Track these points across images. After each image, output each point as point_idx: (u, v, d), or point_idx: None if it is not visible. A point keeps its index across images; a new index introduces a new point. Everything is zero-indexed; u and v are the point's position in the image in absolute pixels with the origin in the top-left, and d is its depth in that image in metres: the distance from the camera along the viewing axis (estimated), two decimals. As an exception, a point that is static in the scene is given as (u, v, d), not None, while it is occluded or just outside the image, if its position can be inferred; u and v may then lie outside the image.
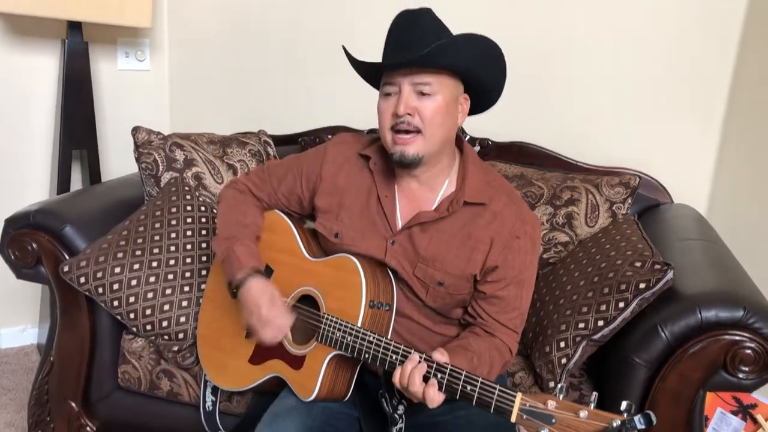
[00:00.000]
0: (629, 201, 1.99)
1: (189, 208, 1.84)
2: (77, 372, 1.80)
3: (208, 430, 1.67)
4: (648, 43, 2.23)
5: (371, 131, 2.43)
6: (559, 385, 1.11)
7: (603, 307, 1.56)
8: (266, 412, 1.41)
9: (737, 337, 1.40)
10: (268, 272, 1.50)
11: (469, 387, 1.16)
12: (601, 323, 1.55)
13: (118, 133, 2.63)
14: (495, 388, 1.14)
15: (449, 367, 1.19)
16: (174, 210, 1.82)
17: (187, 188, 1.90)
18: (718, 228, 2.01)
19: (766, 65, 2.09)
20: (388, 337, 1.38)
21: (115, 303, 1.68)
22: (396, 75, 1.32)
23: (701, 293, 1.46)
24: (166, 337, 1.69)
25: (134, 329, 1.72)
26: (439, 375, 1.19)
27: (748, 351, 1.40)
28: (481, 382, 1.16)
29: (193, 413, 1.75)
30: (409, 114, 1.30)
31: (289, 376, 1.43)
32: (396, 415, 1.37)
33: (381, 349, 1.28)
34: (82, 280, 1.68)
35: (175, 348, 1.69)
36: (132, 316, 1.68)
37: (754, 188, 2.16)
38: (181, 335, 1.69)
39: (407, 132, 1.31)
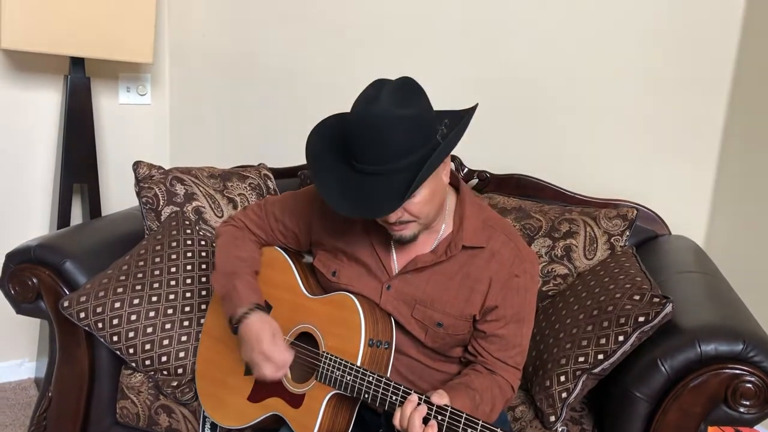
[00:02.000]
0: (627, 233, 2.00)
1: (189, 242, 1.84)
2: (75, 407, 1.79)
3: None
4: (645, 77, 2.26)
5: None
6: (561, 429, 1.10)
7: (603, 341, 1.56)
8: None
9: (737, 371, 1.39)
10: (267, 309, 1.51)
11: (469, 430, 1.16)
12: (601, 357, 1.55)
13: (118, 167, 2.65)
14: (477, 424, 1.14)
15: (449, 408, 1.18)
16: (174, 244, 1.82)
17: (187, 222, 1.91)
18: (716, 260, 2.01)
19: (759, 99, 2.12)
20: (388, 374, 1.38)
21: (115, 338, 1.68)
22: None
23: (700, 327, 1.47)
24: (165, 372, 1.69)
25: (133, 364, 1.71)
26: (440, 417, 1.18)
27: (749, 385, 1.39)
28: (482, 425, 1.15)
29: (191, 449, 1.74)
30: (398, 218, 1.27)
31: (289, 415, 1.42)
32: None
33: (381, 390, 1.27)
34: (82, 315, 1.68)
35: (174, 383, 1.69)
36: (131, 350, 1.68)
37: (751, 220, 2.17)
38: (180, 370, 1.68)
39: (400, 224, 1.29)
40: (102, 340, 1.70)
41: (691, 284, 1.74)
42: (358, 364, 1.33)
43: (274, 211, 1.55)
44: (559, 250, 1.98)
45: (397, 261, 1.42)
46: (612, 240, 1.98)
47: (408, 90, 1.25)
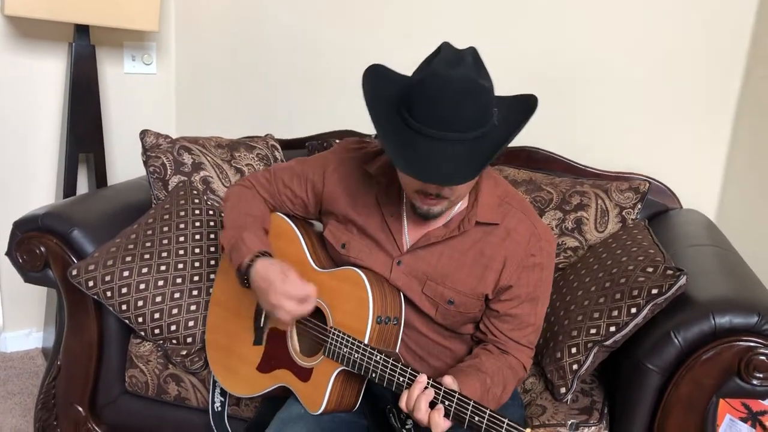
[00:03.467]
0: (639, 206, 1.98)
1: (197, 211, 1.83)
2: (84, 376, 1.79)
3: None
4: (657, 49, 2.22)
5: (377, 137, 2.43)
6: (570, 422, 1.08)
7: (615, 313, 1.55)
8: (274, 418, 1.40)
9: (751, 344, 1.38)
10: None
11: (477, 417, 1.13)
12: (612, 329, 1.54)
13: (124, 136, 2.63)
14: (503, 422, 1.11)
15: (457, 394, 1.15)
16: (182, 213, 1.81)
17: (195, 192, 1.89)
18: (728, 234, 2.00)
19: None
20: (397, 350, 1.36)
21: (123, 307, 1.67)
22: None
23: (715, 299, 1.45)
24: (174, 341, 1.68)
25: (142, 333, 1.71)
26: (447, 402, 1.16)
27: (763, 357, 1.38)
28: (489, 415, 1.12)
29: (201, 418, 1.74)
30: (438, 189, 1.22)
31: (297, 388, 1.41)
32: (405, 430, 1.35)
33: (388, 371, 1.25)
34: (91, 283, 1.67)
35: (184, 352, 1.68)
36: (140, 320, 1.68)
37: (763, 194, 2.15)
38: (189, 339, 1.68)
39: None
40: (111, 308, 1.69)
41: (703, 257, 1.72)
42: (366, 341, 1.30)
43: (283, 177, 1.52)
44: (569, 222, 1.96)
45: (408, 236, 1.39)
46: (623, 213, 1.97)
47: (482, 61, 1.20)
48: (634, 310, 1.52)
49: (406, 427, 1.33)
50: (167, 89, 2.76)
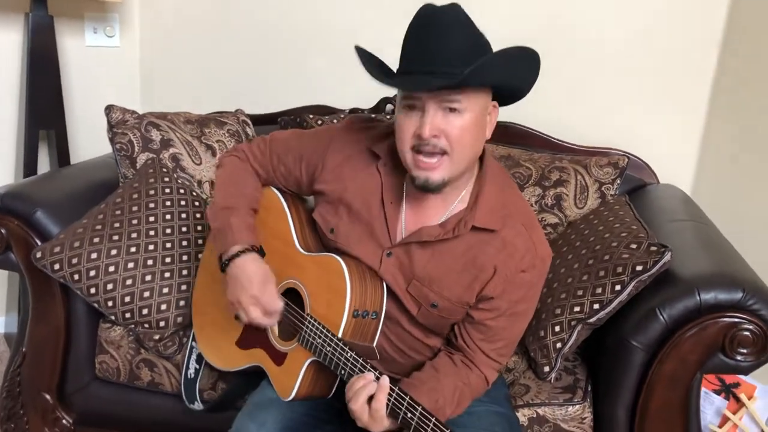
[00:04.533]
0: (618, 182, 1.97)
1: (168, 190, 1.76)
2: (52, 363, 1.71)
3: (185, 399, 1.61)
4: (635, 25, 2.20)
5: (352, 111, 2.37)
6: None
7: (599, 290, 1.53)
8: (247, 402, 1.36)
9: (736, 319, 1.38)
10: (261, 254, 1.43)
11: (409, 414, 1.13)
12: (596, 306, 1.52)
13: (87, 112, 2.51)
14: (430, 420, 1.11)
15: (396, 390, 1.14)
16: (152, 192, 1.74)
17: (165, 170, 1.82)
18: (704, 207, 2.00)
19: (750, 49, 2.08)
20: (374, 344, 1.31)
21: (92, 290, 1.60)
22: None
23: (699, 275, 1.44)
24: (146, 325, 1.62)
25: (112, 317, 1.64)
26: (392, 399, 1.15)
27: (746, 333, 1.38)
28: (420, 412, 1.12)
29: (175, 403, 1.69)
30: (435, 136, 1.15)
31: (271, 371, 1.37)
32: None
33: (357, 370, 1.21)
34: (57, 266, 1.59)
35: (156, 336, 1.62)
36: (110, 303, 1.61)
37: (739, 169, 2.15)
38: (162, 323, 1.62)
39: (432, 155, 1.17)
40: (78, 292, 1.62)
41: (683, 232, 1.71)
42: (340, 335, 1.25)
43: (278, 151, 1.45)
44: (549, 198, 1.94)
45: (404, 226, 1.31)
46: (603, 188, 1.95)
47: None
48: (618, 288, 1.50)
49: None
50: (131, 63, 2.65)
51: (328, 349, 1.24)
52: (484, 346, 1.30)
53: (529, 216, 1.34)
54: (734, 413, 1.94)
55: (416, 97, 1.16)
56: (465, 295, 1.28)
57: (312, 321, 1.29)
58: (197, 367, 1.62)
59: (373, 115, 2.25)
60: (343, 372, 1.22)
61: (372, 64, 1.24)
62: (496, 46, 1.22)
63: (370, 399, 1.15)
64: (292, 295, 1.37)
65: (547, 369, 1.57)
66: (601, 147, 2.19)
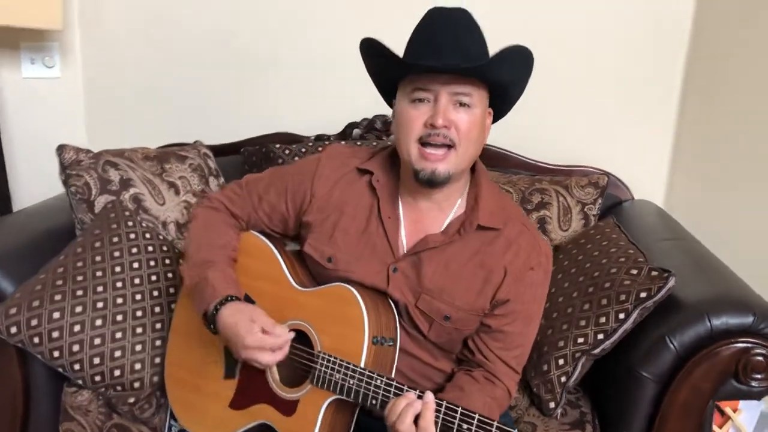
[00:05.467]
0: (600, 201, 1.94)
1: (133, 236, 1.61)
2: (8, 436, 1.54)
3: None
4: (602, 44, 2.19)
5: (318, 138, 2.27)
6: None
7: (602, 320, 1.47)
8: None
9: (748, 344, 1.34)
10: (248, 302, 1.32)
11: (465, 426, 1.07)
12: (601, 336, 1.47)
13: (27, 151, 2.32)
14: (492, 425, 1.06)
15: (445, 403, 1.09)
16: (116, 240, 1.59)
17: (127, 213, 1.67)
18: (679, 222, 1.98)
19: (715, 63, 2.09)
20: (392, 375, 1.23)
21: (56, 354, 1.44)
22: (434, 82, 1.16)
23: (707, 300, 1.40)
24: (119, 387, 1.47)
25: (80, 381, 1.48)
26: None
27: (760, 358, 1.34)
28: (478, 419, 1.07)
29: (153, 470, 1.54)
30: (446, 126, 1.16)
31: (280, 424, 1.26)
32: None
33: (391, 395, 1.13)
34: (13, 330, 1.43)
35: (131, 400, 1.47)
36: (77, 367, 1.45)
37: (709, 181, 2.15)
38: (137, 384, 1.47)
39: (439, 146, 1.18)
40: (39, 356, 1.45)
41: (673, 253, 1.68)
42: (362, 365, 1.17)
43: (258, 190, 1.37)
44: (533, 222, 1.88)
45: (406, 239, 1.28)
46: (585, 209, 1.91)
47: None
48: (622, 316, 1.45)
49: None
50: (74, 95, 2.45)
51: (352, 381, 1.16)
52: (503, 354, 1.28)
53: (525, 217, 1.37)
54: (720, 427, 1.92)
55: (428, 89, 1.17)
56: (478, 302, 1.26)
57: (326, 357, 1.20)
58: None
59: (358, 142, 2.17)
60: (374, 402, 1.15)
61: (380, 54, 1.22)
62: None
63: (416, 418, 1.09)
64: (295, 337, 1.26)
65: (552, 405, 1.50)
66: (576, 165, 2.16)
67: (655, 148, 2.24)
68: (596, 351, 1.48)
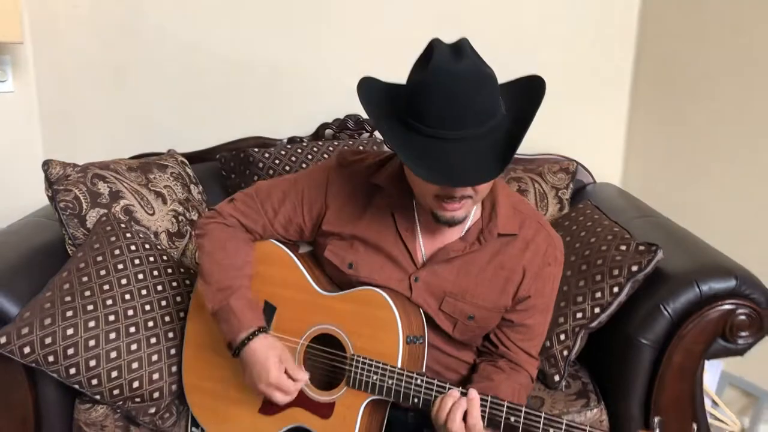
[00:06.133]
0: (571, 186, 2.05)
1: (133, 247, 1.60)
2: (21, 459, 1.50)
3: None
4: (553, 37, 2.31)
5: (291, 140, 2.29)
6: (656, 419, 1.08)
7: (598, 294, 1.58)
8: None
9: (733, 306, 1.47)
10: (269, 310, 1.34)
11: (513, 418, 1.13)
12: (597, 310, 1.57)
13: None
14: (540, 417, 1.12)
15: (489, 398, 1.16)
16: (117, 252, 1.57)
17: (123, 225, 1.65)
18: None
19: (663, 50, 2.25)
20: (423, 370, 1.29)
21: (72, 371, 1.42)
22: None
23: (694, 269, 1.53)
24: (137, 399, 1.46)
25: (97, 397, 1.46)
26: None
27: (743, 317, 1.48)
28: (525, 411, 1.13)
29: (173, 479, 1.54)
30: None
31: (317, 427, 1.29)
32: None
33: (433, 393, 1.19)
34: (27, 350, 1.40)
35: (152, 410, 1.47)
36: (95, 382, 1.43)
37: (662, 162, 2.31)
38: (156, 394, 1.47)
39: (457, 200, 1.17)
40: (55, 375, 1.43)
41: (649, 229, 1.81)
42: (399, 365, 1.22)
43: (272, 202, 1.36)
44: (513, 209, 1.97)
45: (424, 249, 1.31)
46: (559, 194, 2.02)
47: (476, 51, 1.14)
48: (616, 289, 1.56)
49: None
50: (29, 108, 2.37)
51: (390, 382, 1.21)
52: (525, 345, 1.35)
53: (536, 211, 1.40)
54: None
55: None
56: (501, 300, 1.30)
57: (361, 359, 1.24)
58: None
59: (360, 147, 2.18)
60: (416, 400, 1.20)
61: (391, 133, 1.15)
62: (411, 45, 1.19)
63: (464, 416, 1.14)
64: (322, 341, 1.30)
65: (557, 378, 1.59)
66: (542, 154, 2.27)
67: (612, 134, 2.39)
68: (594, 324, 1.58)
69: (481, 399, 1.15)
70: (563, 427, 1.11)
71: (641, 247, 1.58)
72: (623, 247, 1.61)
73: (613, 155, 2.41)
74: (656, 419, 1.07)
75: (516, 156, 2.14)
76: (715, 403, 2.15)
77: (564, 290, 1.64)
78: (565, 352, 1.59)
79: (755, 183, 2.03)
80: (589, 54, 2.32)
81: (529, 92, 1.18)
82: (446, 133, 1.10)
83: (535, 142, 2.27)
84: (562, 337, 1.59)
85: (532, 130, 2.19)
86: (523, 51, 2.29)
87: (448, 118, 1.09)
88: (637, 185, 2.37)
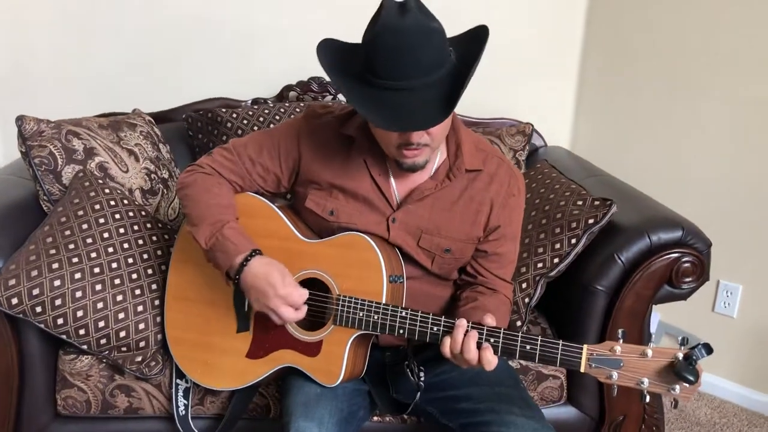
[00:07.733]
0: (527, 148, 2.17)
1: (113, 202, 1.62)
2: (5, 409, 1.53)
3: None
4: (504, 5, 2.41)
5: (255, 101, 2.33)
6: (620, 330, 1.19)
7: (557, 246, 1.70)
8: (290, 404, 1.35)
9: (679, 254, 1.62)
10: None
11: (528, 347, 1.22)
12: (556, 260, 1.70)
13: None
14: (558, 344, 1.21)
15: (502, 330, 1.23)
16: (98, 207, 1.60)
17: (101, 181, 1.67)
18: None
19: (612, 19, 2.38)
20: (404, 305, 1.38)
21: (60, 321, 1.45)
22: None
23: (644, 221, 1.66)
24: (124, 348, 1.51)
25: (85, 346, 1.50)
26: (492, 339, 1.23)
27: (687, 264, 1.62)
28: (542, 340, 1.22)
29: (157, 426, 1.60)
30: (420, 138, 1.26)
31: (306, 365, 1.37)
32: (421, 383, 1.39)
33: (418, 323, 1.28)
34: (14, 301, 1.42)
35: (139, 358, 1.52)
36: (82, 332, 1.47)
37: (609, 126, 2.46)
38: (142, 343, 1.52)
39: (416, 148, 1.27)
40: (42, 325, 1.46)
41: (599, 186, 1.94)
42: (384, 302, 1.31)
43: (249, 153, 1.43)
44: (474, 169, 2.07)
45: (397, 192, 1.41)
46: (517, 155, 2.14)
47: (425, 6, 1.24)
48: (574, 241, 1.68)
49: (421, 379, 1.39)
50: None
51: (377, 317, 1.30)
52: (500, 272, 1.47)
53: (494, 147, 1.51)
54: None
55: None
56: (473, 231, 1.42)
57: (346, 299, 1.32)
58: (186, 402, 1.55)
59: (329, 102, 2.23)
60: (401, 330, 1.29)
61: (341, 73, 1.26)
62: (372, 6, 1.25)
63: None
64: (308, 286, 1.37)
65: (519, 323, 1.71)
66: (498, 118, 2.38)
67: (562, 98, 2.52)
68: (553, 273, 1.70)
69: (493, 332, 1.23)
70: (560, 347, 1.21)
71: (597, 202, 1.71)
72: (580, 202, 1.73)
73: (563, 119, 2.54)
74: (620, 330, 1.18)
75: (475, 119, 2.31)
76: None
77: (525, 242, 1.76)
78: (527, 300, 1.71)
79: (693, 142, 2.20)
80: (541, 20, 2.43)
81: (474, 39, 1.29)
82: (396, 83, 1.20)
83: (491, 106, 2.41)
84: (524, 285, 1.71)
85: (488, 94, 2.32)
86: (476, 17, 2.34)
87: (396, 70, 1.19)
88: (585, 147, 2.52)
